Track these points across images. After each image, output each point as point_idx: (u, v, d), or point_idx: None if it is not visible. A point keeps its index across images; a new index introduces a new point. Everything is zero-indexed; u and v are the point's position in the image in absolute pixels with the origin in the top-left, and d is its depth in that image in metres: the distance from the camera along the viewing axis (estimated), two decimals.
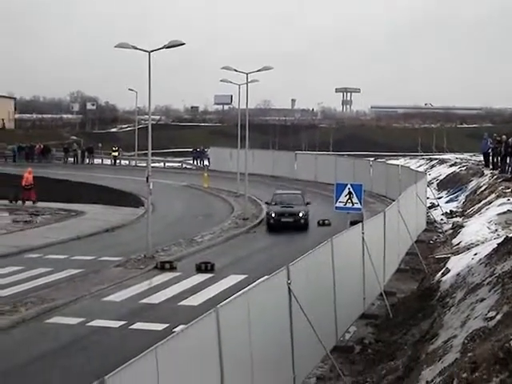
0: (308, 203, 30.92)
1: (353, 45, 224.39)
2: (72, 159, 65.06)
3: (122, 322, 15.97)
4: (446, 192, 39.16)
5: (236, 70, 34.32)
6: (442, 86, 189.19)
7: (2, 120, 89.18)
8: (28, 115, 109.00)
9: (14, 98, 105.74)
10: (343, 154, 58.38)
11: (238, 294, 10.09)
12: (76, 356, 13.88)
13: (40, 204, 36.38)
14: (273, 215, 29.78)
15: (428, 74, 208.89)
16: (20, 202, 36.89)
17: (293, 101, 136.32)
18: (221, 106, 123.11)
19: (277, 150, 68.72)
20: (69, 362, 13.56)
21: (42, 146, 66.10)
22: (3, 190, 37.37)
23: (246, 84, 34.63)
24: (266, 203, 32.24)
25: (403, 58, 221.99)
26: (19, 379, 12.62)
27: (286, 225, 29.35)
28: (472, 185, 36.00)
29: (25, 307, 17.05)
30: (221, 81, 38.77)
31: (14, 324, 15.90)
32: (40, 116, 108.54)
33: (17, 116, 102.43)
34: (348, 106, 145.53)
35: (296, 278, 11.25)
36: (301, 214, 29.51)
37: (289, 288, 11.04)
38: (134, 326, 15.72)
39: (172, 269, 21.88)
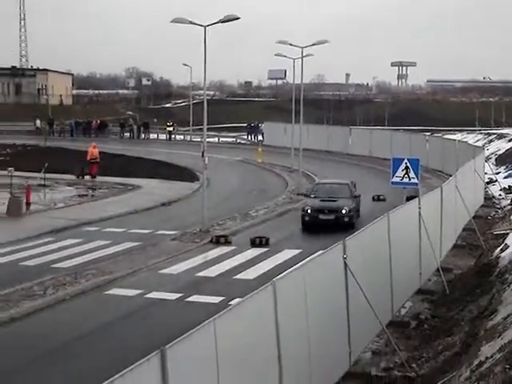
0: (357, 196, 25.23)
1: (410, 18, 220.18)
2: (128, 134, 65.95)
3: (179, 295, 16.23)
4: (504, 167, 38.39)
5: (291, 44, 34.10)
6: (502, 59, 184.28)
7: (60, 96, 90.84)
8: (85, 91, 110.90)
9: (72, 75, 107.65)
10: (399, 129, 57.61)
11: (294, 268, 10.14)
12: (135, 327, 14.20)
13: (98, 178, 36.98)
14: (308, 211, 23.90)
15: (486, 46, 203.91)
16: (87, 177, 37.14)
17: (347, 75, 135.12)
18: (274, 81, 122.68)
19: (331, 124, 68.31)
20: (128, 332, 13.88)
21: (98, 122, 67.14)
22: (63, 165, 38.05)
23: (301, 58, 34.39)
24: (305, 195, 27.39)
25: (461, 31, 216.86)
26: (82, 348, 12.98)
27: (325, 223, 23.68)
28: None
29: (85, 279, 17.49)
30: (275, 55, 38.73)
31: (75, 295, 16.33)
32: (97, 92, 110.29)
33: (74, 92, 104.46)
34: (403, 80, 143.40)
35: (352, 253, 11.24)
36: (344, 211, 23.60)
37: (345, 263, 11.05)
38: (190, 299, 15.96)
39: (227, 243, 22.06)
